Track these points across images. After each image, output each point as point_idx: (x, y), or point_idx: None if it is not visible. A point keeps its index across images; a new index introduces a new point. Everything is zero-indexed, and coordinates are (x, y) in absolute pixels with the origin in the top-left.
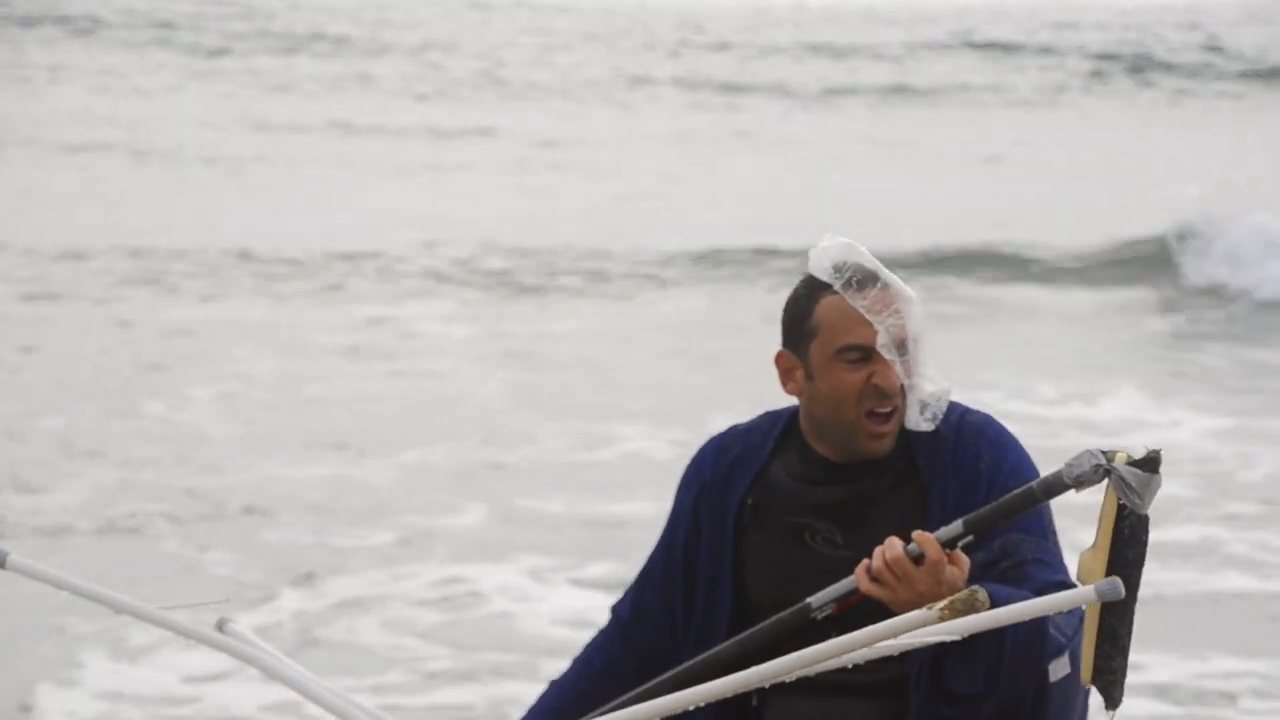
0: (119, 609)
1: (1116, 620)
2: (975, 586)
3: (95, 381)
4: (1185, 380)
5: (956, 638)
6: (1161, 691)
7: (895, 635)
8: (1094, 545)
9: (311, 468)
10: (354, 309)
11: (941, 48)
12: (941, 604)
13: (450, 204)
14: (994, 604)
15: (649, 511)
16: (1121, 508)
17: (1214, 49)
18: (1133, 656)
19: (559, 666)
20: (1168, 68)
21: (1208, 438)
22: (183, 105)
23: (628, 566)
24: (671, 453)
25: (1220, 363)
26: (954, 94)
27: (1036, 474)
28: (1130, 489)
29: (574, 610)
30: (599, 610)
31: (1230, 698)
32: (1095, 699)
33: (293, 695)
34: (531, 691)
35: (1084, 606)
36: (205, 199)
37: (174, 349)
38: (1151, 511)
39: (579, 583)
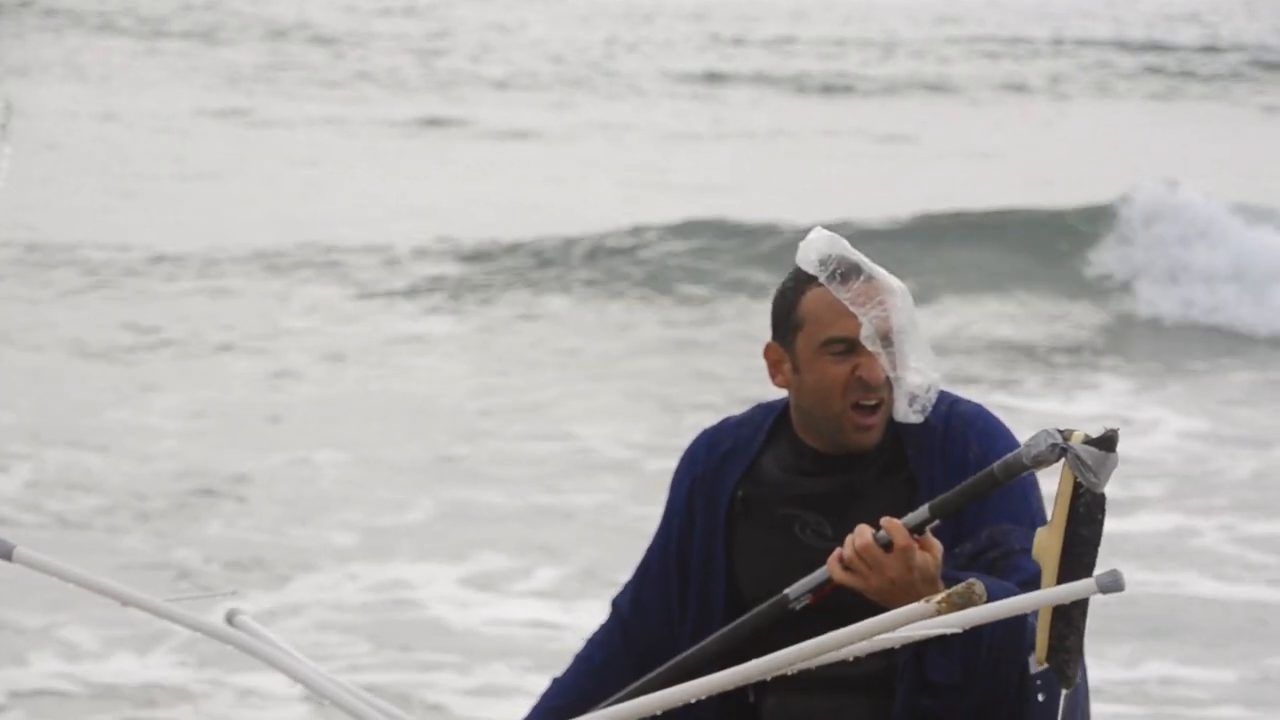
0: (125, 601)
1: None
2: (972, 579)
3: (60, 375)
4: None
5: (958, 630)
6: (1131, 694)
7: (893, 628)
8: (1050, 524)
9: (272, 464)
10: (327, 303)
11: (938, 41)
12: (939, 597)
13: (428, 197)
14: (990, 598)
15: (596, 507)
16: (1078, 486)
17: (1211, 42)
18: (1105, 657)
19: (494, 667)
20: (1163, 52)
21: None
22: (159, 95)
23: (569, 571)
24: (628, 453)
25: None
26: (948, 86)
27: None
28: (1086, 468)
29: (511, 613)
30: (537, 612)
31: (1201, 704)
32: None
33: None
34: (456, 681)
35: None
36: (183, 192)
37: (142, 341)
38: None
39: (522, 586)
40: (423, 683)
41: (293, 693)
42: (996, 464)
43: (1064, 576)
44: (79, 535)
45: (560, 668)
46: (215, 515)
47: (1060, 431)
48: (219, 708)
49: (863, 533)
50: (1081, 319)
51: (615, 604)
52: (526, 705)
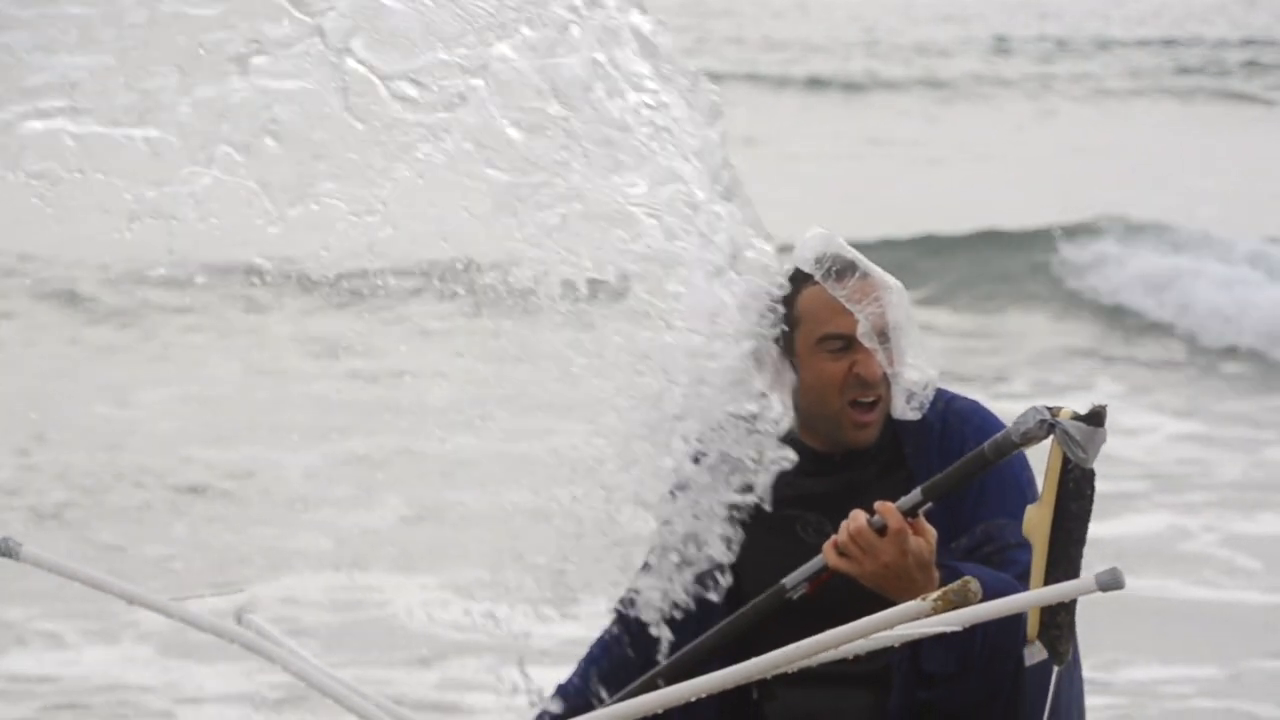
0: (132, 600)
1: (1061, 576)
2: (967, 576)
3: (47, 372)
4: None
5: (958, 628)
6: (1121, 694)
7: (890, 626)
8: (1039, 500)
9: (247, 462)
10: (310, 300)
11: (937, 40)
12: (935, 595)
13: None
14: (984, 593)
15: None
16: (1066, 462)
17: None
18: (1095, 657)
19: (460, 663)
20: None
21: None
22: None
23: (544, 574)
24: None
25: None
26: (948, 85)
27: (1023, 456)
28: (1075, 443)
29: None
30: (508, 613)
31: (1189, 698)
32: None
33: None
34: (421, 676)
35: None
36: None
37: (126, 337)
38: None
39: (497, 590)
40: (385, 679)
41: (265, 685)
42: (986, 443)
43: (1054, 552)
44: (53, 530)
45: (537, 666)
46: (191, 513)
47: (1049, 409)
48: (186, 698)
49: (857, 517)
50: (1074, 323)
51: (618, 608)
52: (496, 702)
